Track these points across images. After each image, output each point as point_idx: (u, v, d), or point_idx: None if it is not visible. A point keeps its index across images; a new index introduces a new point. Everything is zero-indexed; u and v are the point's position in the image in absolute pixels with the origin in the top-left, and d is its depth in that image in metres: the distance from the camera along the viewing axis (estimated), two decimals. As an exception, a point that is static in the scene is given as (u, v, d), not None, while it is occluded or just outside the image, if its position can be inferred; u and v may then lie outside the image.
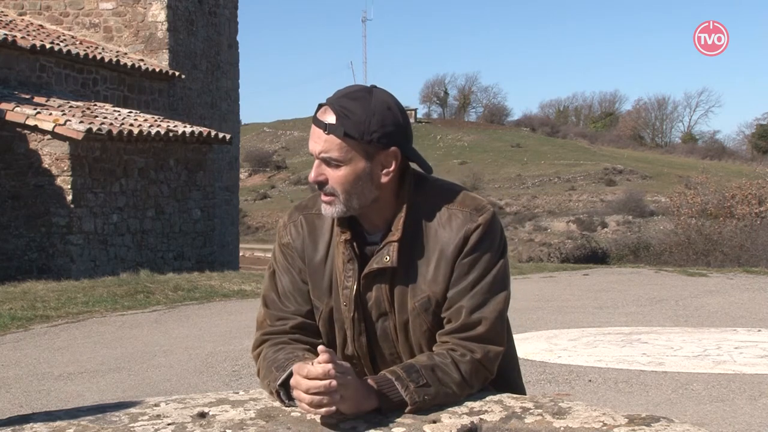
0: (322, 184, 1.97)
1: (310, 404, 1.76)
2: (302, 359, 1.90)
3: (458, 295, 1.97)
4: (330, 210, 1.98)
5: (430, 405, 1.89)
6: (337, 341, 2.07)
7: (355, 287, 2.01)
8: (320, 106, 1.97)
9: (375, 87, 2.00)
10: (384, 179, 1.97)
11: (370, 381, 1.87)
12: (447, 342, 1.98)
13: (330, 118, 1.93)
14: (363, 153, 1.93)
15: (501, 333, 2.00)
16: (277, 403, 1.91)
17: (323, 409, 1.75)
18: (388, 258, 1.98)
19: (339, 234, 2.03)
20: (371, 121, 1.92)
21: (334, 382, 1.75)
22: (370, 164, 1.95)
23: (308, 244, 2.08)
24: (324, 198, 1.99)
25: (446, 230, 1.99)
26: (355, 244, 2.02)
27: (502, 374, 2.09)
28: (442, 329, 2.00)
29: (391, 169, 1.97)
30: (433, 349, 2.00)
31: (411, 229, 2.00)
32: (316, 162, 1.97)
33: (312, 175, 1.97)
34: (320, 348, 1.81)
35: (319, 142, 1.94)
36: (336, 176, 1.95)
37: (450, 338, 1.97)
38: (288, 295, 2.09)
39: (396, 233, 1.98)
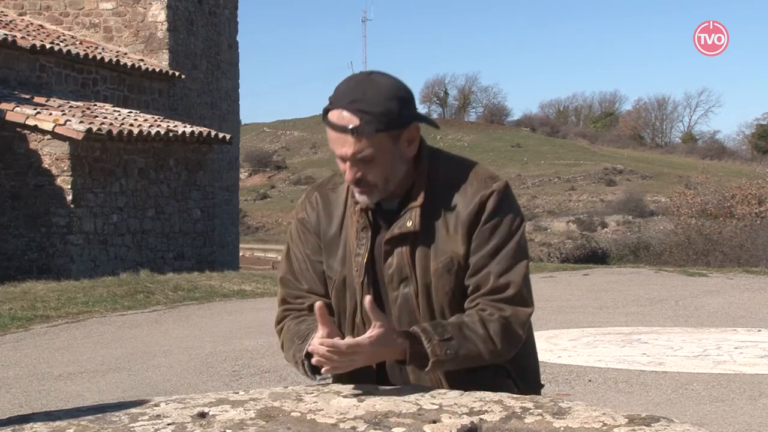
0: (360, 181, 2.02)
1: (329, 367, 1.94)
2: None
3: (483, 261, 2.02)
4: (368, 199, 2.05)
5: (454, 361, 1.97)
6: (347, 310, 2.11)
7: (366, 254, 2.06)
8: (328, 110, 2.00)
9: (372, 72, 2.04)
10: (411, 152, 2.05)
11: (401, 339, 1.96)
12: (477, 303, 2.03)
13: (351, 121, 1.96)
14: (391, 139, 2.00)
15: (528, 295, 2.06)
16: (302, 376, 2.08)
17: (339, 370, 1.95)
18: (410, 223, 2.03)
19: (353, 204, 2.08)
20: (389, 108, 1.97)
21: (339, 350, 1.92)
22: (398, 145, 2.02)
23: (323, 218, 2.14)
24: (359, 189, 2.04)
25: (462, 196, 2.04)
26: (369, 212, 2.08)
27: (521, 362, 2.13)
28: (464, 292, 2.05)
29: (416, 140, 2.05)
30: (465, 308, 2.04)
31: (430, 194, 2.05)
32: (349, 164, 2.01)
33: (349, 176, 2.02)
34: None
35: (347, 145, 1.98)
36: (374, 170, 2.01)
37: (482, 299, 2.03)
38: (303, 273, 2.15)
39: (419, 199, 2.04)
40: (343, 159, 2.01)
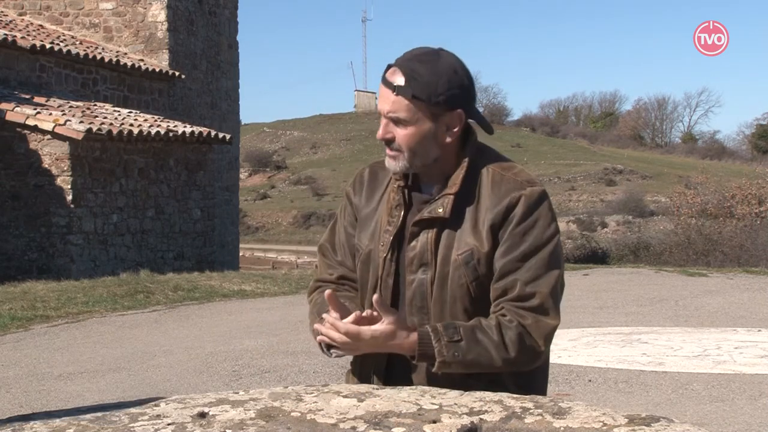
0: (389, 142, 2.05)
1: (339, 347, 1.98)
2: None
3: (511, 265, 1.99)
4: (393, 164, 2.06)
5: (462, 364, 1.95)
6: (369, 284, 2.13)
7: (395, 232, 2.07)
8: (389, 66, 2.04)
9: (442, 50, 2.06)
10: (448, 139, 2.05)
11: (412, 336, 1.96)
12: (501, 308, 2.00)
13: (399, 79, 2.00)
14: (429, 114, 2.01)
15: (555, 308, 2.01)
16: (319, 350, 2.09)
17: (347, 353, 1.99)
18: (441, 209, 2.03)
19: (394, 180, 2.11)
20: (438, 84, 1.98)
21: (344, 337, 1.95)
22: (435, 125, 2.02)
23: (366, 192, 2.17)
24: (389, 153, 2.06)
25: (495, 194, 2.03)
26: (406, 191, 2.09)
27: (526, 379, 2.07)
28: (480, 287, 2.03)
29: (455, 130, 2.05)
30: (490, 313, 2.03)
31: (467, 185, 2.05)
32: (384, 121, 2.05)
33: (380, 133, 2.06)
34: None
35: (387, 102, 2.02)
36: (402, 135, 2.03)
37: (506, 304, 2.00)
38: (340, 245, 2.20)
39: (454, 187, 2.04)
40: (381, 114, 2.05)
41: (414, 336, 1.96)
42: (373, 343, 1.96)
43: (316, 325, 2.02)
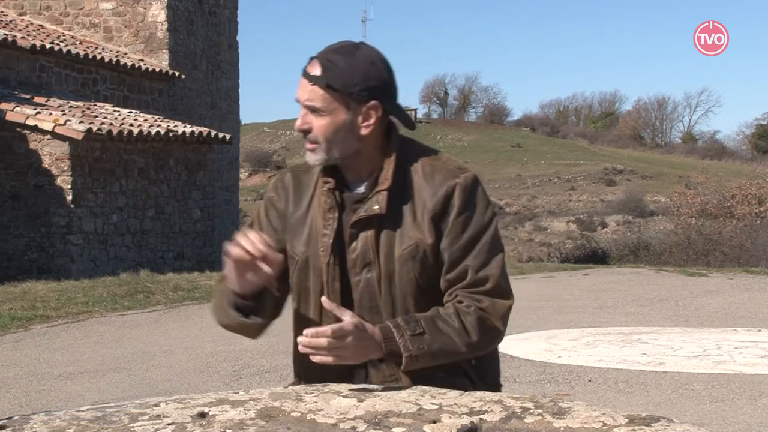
0: (306, 132, 2.05)
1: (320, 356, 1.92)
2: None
3: (458, 254, 2.02)
4: (312, 157, 2.06)
5: (429, 356, 1.95)
6: (312, 291, 2.11)
7: (333, 235, 2.06)
8: (310, 59, 2.05)
9: (363, 43, 2.07)
10: (364, 131, 2.04)
11: (376, 330, 1.94)
12: (456, 296, 2.02)
13: (316, 70, 2.02)
14: (344, 104, 2.01)
15: (507, 287, 2.05)
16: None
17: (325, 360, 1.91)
18: (377, 206, 2.03)
19: (322, 184, 2.09)
20: (354, 75, 1.99)
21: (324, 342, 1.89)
22: (351, 116, 2.02)
23: (292, 198, 2.15)
24: (308, 145, 2.06)
25: (430, 184, 2.04)
26: (337, 192, 2.08)
27: (480, 361, 2.12)
28: (429, 280, 2.03)
29: (371, 122, 2.04)
30: (444, 303, 2.03)
31: (399, 179, 2.05)
32: (302, 111, 2.05)
33: (298, 123, 2.06)
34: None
35: (304, 91, 2.03)
36: (319, 125, 2.03)
37: (460, 291, 2.02)
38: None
39: (386, 182, 2.04)
40: (299, 104, 2.06)
41: (377, 333, 1.95)
42: (357, 338, 1.91)
43: (301, 338, 1.94)
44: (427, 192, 2.04)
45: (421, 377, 1.99)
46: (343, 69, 1.99)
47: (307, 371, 2.14)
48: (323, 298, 1.96)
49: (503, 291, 2.04)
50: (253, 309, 2.12)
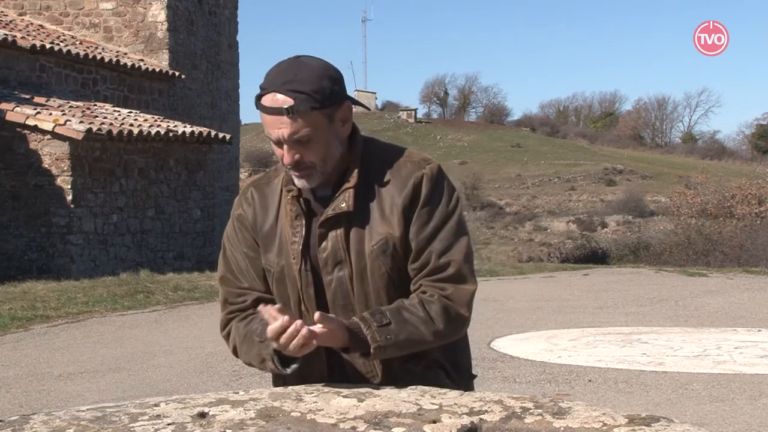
0: (298, 164, 2.02)
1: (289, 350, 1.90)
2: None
3: (425, 242, 2.04)
4: (306, 182, 2.05)
5: (396, 346, 1.97)
6: (291, 299, 2.11)
7: (302, 241, 2.06)
8: (261, 95, 2.00)
9: (300, 56, 2.06)
10: (346, 132, 2.06)
11: (345, 323, 1.96)
12: (420, 286, 2.04)
13: (285, 102, 1.97)
14: (326, 117, 2.01)
15: (470, 273, 2.06)
16: (267, 373, 2.05)
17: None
18: (345, 204, 2.04)
19: (286, 192, 2.10)
20: (322, 86, 1.98)
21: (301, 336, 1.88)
22: (333, 124, 2.03)
23: (259, 212, 2.14)
24: (297, 173, 2.04)
25: (396, 178, 2.06)
26: (301, 200, 2.08)
27: (453, 352, 2.14)
28: (400, 274, 2.05)
29: (349, 120, 2.07)
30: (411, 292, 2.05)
31: (364, 177, 2.06)
32: (286, 146, 2.00)
33: (287, 159, 2.01)
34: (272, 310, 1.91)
35: (284, 127, 1.98)
36: (311, 150, 2.01)
37: (423, 281, 2.04)
38: (242, 271, 2.15)
39: (352, 180, 2.05)
40: (280, 142, 2.00)
41: (346, 335, 1.97)
42: (325, 339, 1.94)
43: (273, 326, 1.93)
44: (394, 186, 2.05)
45: (398, 370, 2.03)
46: (311, 86, 1.97)
47: (287, 376, 2.10)
48: (316, 315, 1.92)
49: (466, 276, 2.05)
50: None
